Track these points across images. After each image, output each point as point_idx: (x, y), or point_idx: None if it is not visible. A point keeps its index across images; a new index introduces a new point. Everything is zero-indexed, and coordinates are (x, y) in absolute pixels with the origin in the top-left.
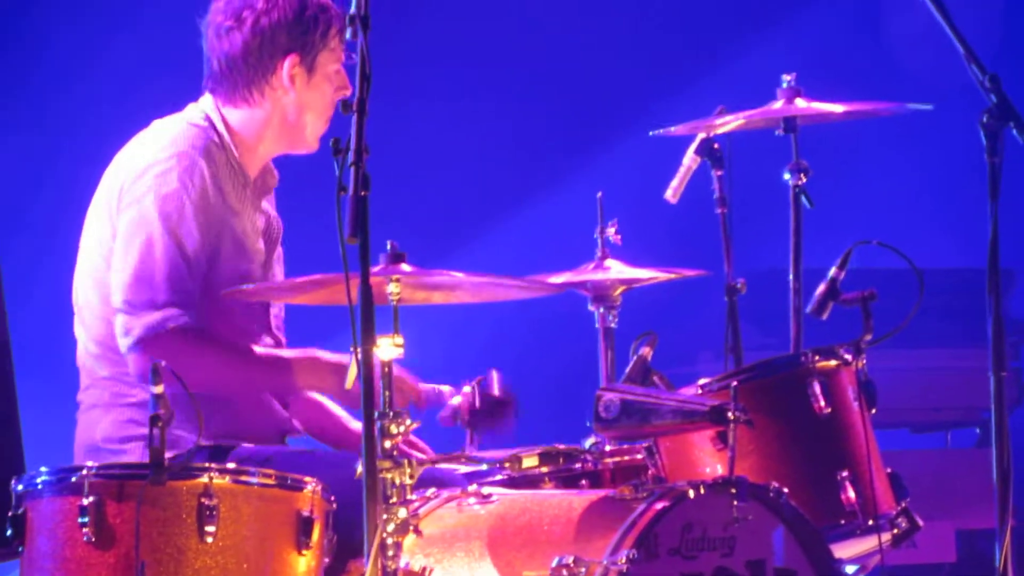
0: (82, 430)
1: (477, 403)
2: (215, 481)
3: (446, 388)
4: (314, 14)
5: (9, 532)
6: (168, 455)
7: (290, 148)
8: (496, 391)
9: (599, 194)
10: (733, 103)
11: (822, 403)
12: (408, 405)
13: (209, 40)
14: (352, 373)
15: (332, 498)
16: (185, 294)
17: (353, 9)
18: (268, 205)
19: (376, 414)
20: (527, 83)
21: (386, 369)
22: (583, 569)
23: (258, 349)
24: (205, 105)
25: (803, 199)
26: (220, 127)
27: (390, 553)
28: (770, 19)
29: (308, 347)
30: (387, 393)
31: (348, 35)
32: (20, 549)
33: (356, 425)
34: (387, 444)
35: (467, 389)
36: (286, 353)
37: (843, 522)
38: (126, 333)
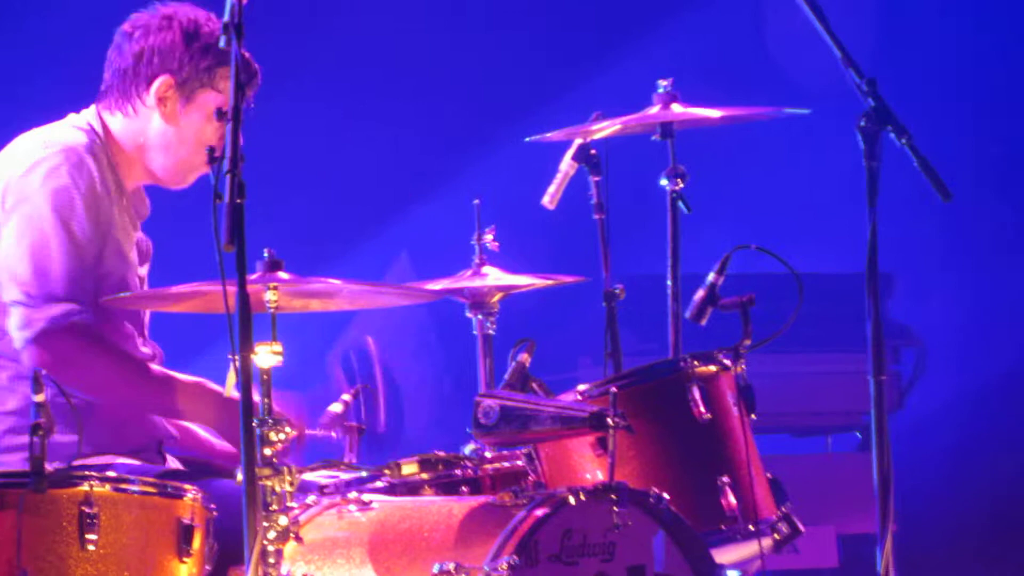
0: None
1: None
2: (96, 489)
3: (332, 434)
4: (204, 46)
5: None
6: (49, 467)
7: (160, 177)
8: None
9: (476, 201)
10: (610, 108)
11: (702, 408)
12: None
13: (111, 51)
14: (231, 381)
15: (212, 506)
16: (83, 290)
17: (227, 17)
18: (139, 227)
19: (255, 421)
20: (403, 89)
21: (265, 376)
22: (463, 573)
23: (152, 366)
24: (87, 114)
25: (680, 204)
26: (100, 132)
27: (271, 560)
28: (646, 24)
29: (197, 375)
30: (266, 400)
31: (221, 43)
32: None
33: (223, 444)
34: (267, 451)
35: (343, 402)
36: (178, 376)
37: (724, 527)
38: (26, 326)
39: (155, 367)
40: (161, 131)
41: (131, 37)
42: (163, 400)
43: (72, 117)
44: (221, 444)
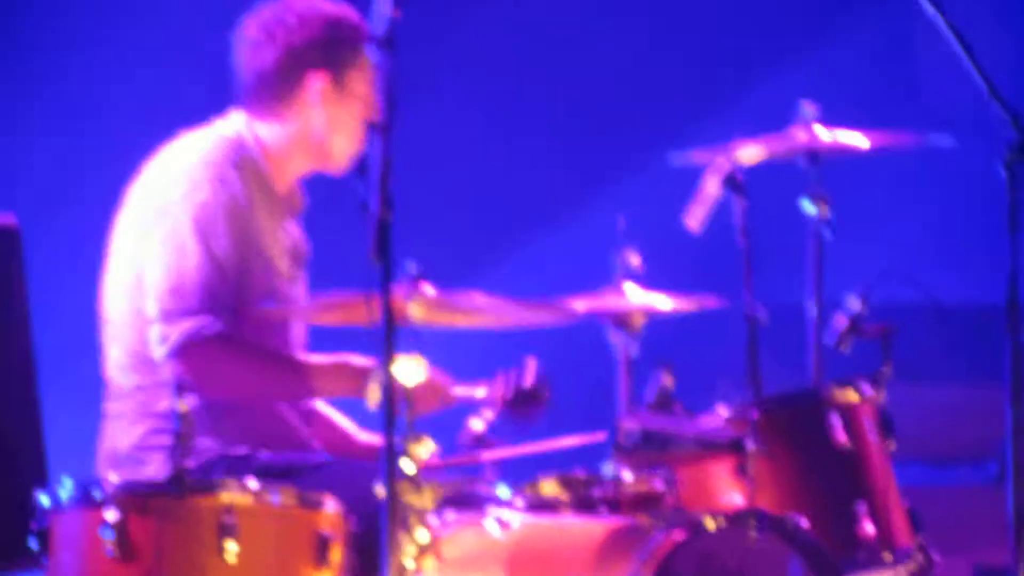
0: (107, 439)
1: (509, 395)
2: (236, 499)
3: (480, 392)
4: (346, 33)
5: (35, 546)
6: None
7: (319, 166)
8: (529, 382)
9: (620, 220)
10: (755, 131)
11: (841, 436)
12: (440, 407)
13: (240, 55)
14: (374, 394)
15: (352, 519)
16: (219, 301)
17: (378, 31)
18: (295, 227)
19: (403, 430)
20: (550, 106)
21: (408, 390)
22: None
23: (289, 355)
24: (235, 119)
25: (824, 230)
26: (250, 141)
27: (416, 570)
28: (792, 48)
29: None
30: (409, 413)
31: (372, 58)
32: (44, 562)
33: (364, 437)
34: (409, 467)
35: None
36: (315, 358)
37: (860, 554)
38: (163, 341)
39: (294, 356)
40: (326, 125)
41: (271, 38)
42: (303, 382)
43: (220, 124)
44: (363, 439)
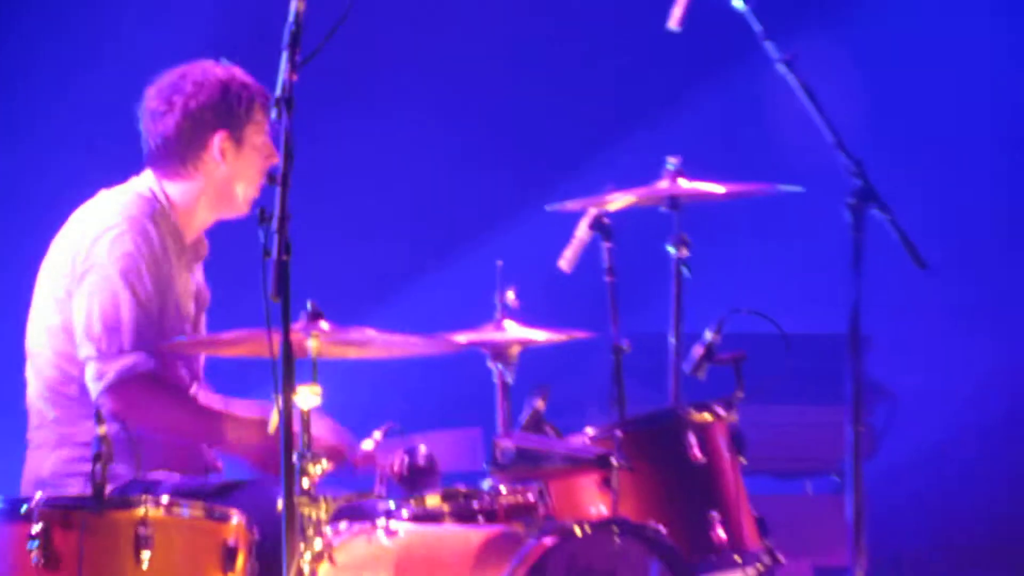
0: (31, 465)
1: (405, 472)
2: (150, 513)
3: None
4: (237, 92)
5: None
6: (107, 488)
7: (224, 214)
8: (421, 463)
9: (499, 262)
10: (623, 182)
11: (697, 452)
12: (344, 466)
13: (145, 123)
14: (274, 420)
15: (255, 530)
16: (146, 341)
17: (278, 92)
18: (199, 274)
19: (295, 455)
20: (439, 161)
21: (305, 416)
22: None
23: (203, 401)
24: (147, 179)
25: (683, 269)
26: (162, 198)
27: (309, 575)
28: (658, 103)
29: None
30: (305, 436)
31: (273, 115)
32: None
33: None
34: (305, 483)
35: (374, 440)
36: (234, 406)
37: (713, 557)
38: (99, 378)
39: (204, 401)
40: (228, 177)
41: (170, 105)
42: (219, 431)
43: (135, 182)
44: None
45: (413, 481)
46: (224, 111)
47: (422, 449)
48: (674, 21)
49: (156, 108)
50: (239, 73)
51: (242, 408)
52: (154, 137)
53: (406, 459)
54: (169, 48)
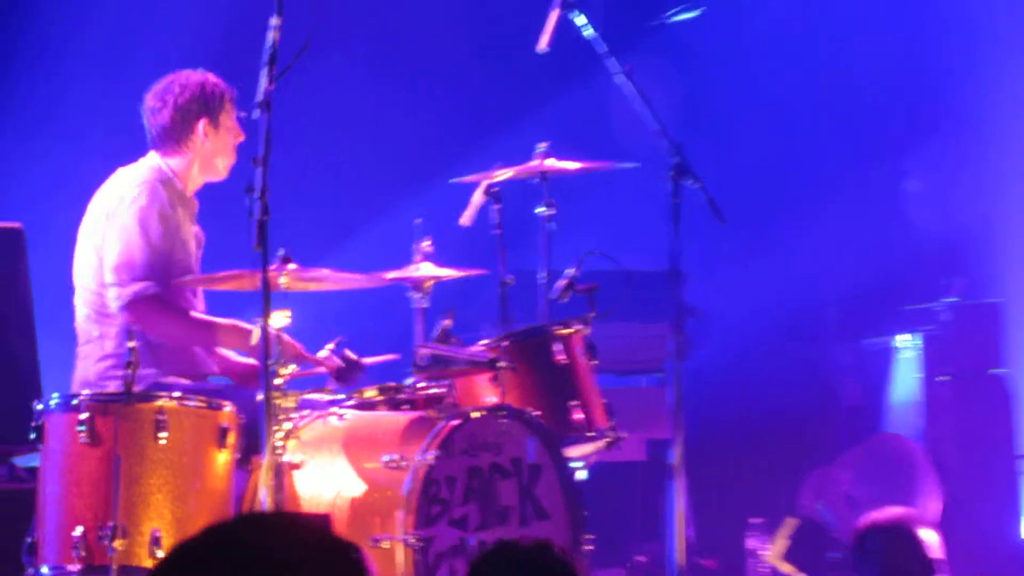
0: (79, 371)
1: (342, 365)
2: (166, 404)
3: (323, 353)
4: (212, 89)
5: (33, 436)
6: (135, 387)
7: (210, 178)
8: (354, 357)
9: (418, 220)
10: (507, 160)
11: (561, 356)
12: (294, 361)
13: (146, 117)
14: (256, 334)
15: (241, 414)
16: (155, 273)
17: (259, 97)
18: (195, 223)
19: (270, 362)
20: (373, 145)
21: (279, 334)
22: (404, 462)
23: (199, 315)
24: (154, 158)
25: (550, 224)
26: (167, 170)
27: (279, 451)
28: (533, 101)
29: (230, 318)
30: (278, 349)
31: (255, 115)
32: (40, 447)
33: (245, 363)
34: (278, 381)
35: (328, 349)
36: (218, 320)
37: (573, 433)
38: (118, 298)
39: (200, 316)
40: (211, 151)
41: (164, 103)
42: (210, 338)
43: (144, 160)
44: (243, 364)
45: (344, 374)
46: (204, 103)
47: (347, 352)
48: (542, 44)
49: (154, 106)
50: (212, 76)
51: (237, 323)
52: (155, 127)
53: (336, 359)
54: (168, 58)
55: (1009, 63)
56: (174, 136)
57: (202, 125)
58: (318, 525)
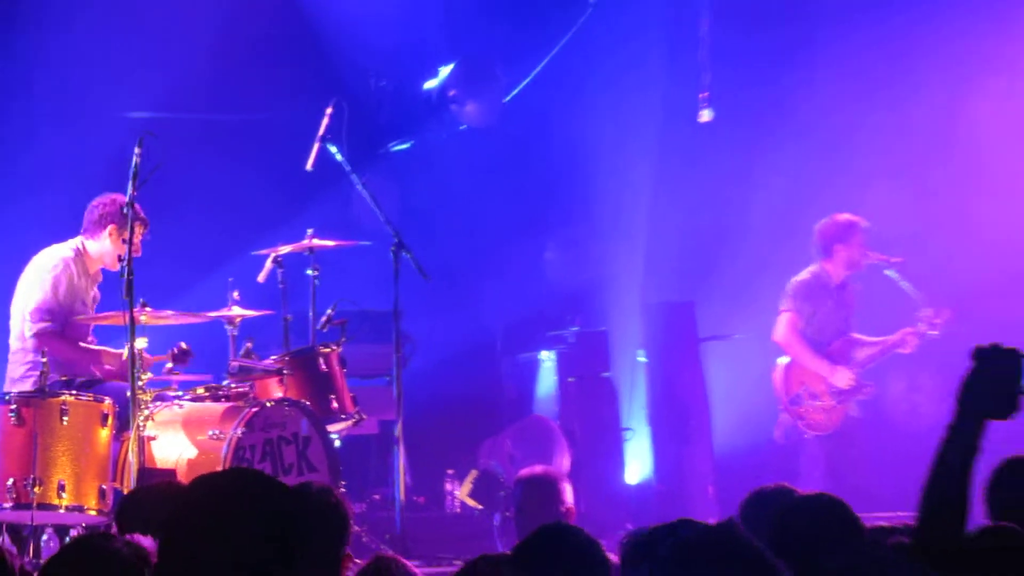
0: (9, 371)
1: (178, 355)
2: (67, 398)
3: (164, 358)
4: (124, 210)
5: None
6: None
7: (107, 263)
8: (184, 348)
9: (231, 279)
10: (288, 239)
11: (323, 366)
12: (149, 368)
13: (85, 213)
14: (125, 352)
15: (116, 405)
16: (56, 317)
17: (127, 200)
18: (95, 287)
19: (135, 368)
20: (204, 225)
21: (140, 352)
22: (223, 435)
23: (85, 345)
24: (78, 239)
25: (315, 281)
26: (81, 249)
27: (141, 429)
28: (301, 202)
29: (104, 346)
30: (138, 361)
31: (126, 211)
32: None
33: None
34: (139, 383)
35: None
36: (97, 348)
37: (332, 416)
38: (31, 330)
39: (85, 345)
40: (111, 248)
41: (95, 207)
42: (93, 359)
43: (71, 241)
44: (111, 371)
45: (179, 357)
46: (116, 217)
47: (183, 344)
48: (309, 164)
49: (92, 208)
50: (122, 198)
51: (108, 349)
52: (87, 220)
53: (175, 349)
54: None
55: (608, 178)
56: (94, 229)
57: (111, 228)
58: (168, 478)
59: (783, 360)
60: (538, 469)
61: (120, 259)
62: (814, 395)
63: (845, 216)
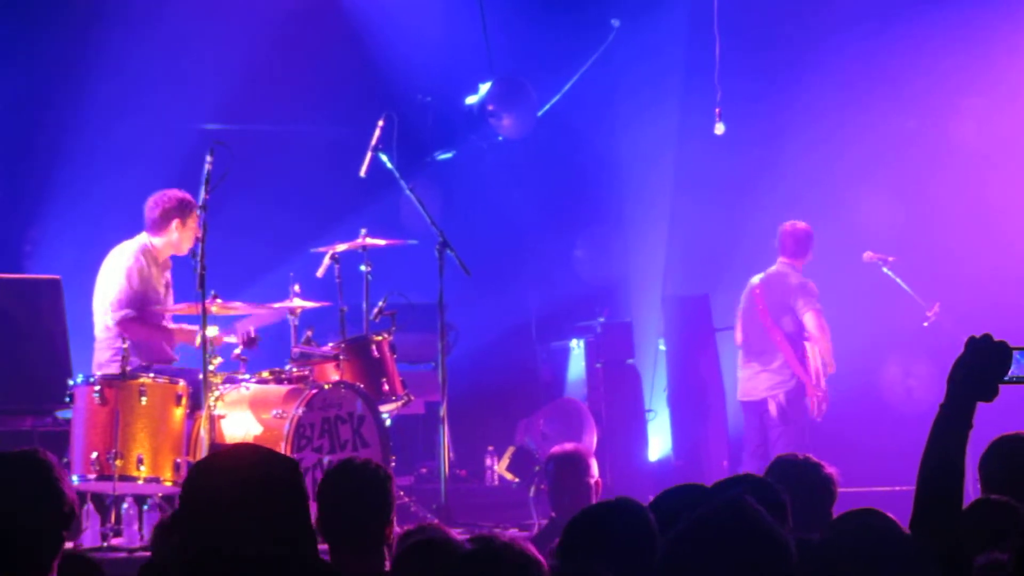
0: (96, 356)
1: (246, 339)
2: (145, 380)
3: (232, 338)
4: (187, 204)
5: (67, 399)
6: (127, 369)
7: (178, 251)
8: (253, 333)
9: (292, 273)
10: (344, 238)
11: (375, 352)
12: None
13: (145, 212)
14: (199, 340)
15: (190, 387)
16: (133, 305)
17: (200, 202)
18: (167, 275)
19: (207, 354)
20: (268, 224)
21: (211, 338)
22: (285, 414)
23: (163, 325)
24: (143, 235)
25: (368, 277)
26: (148, 244)
27: (212, 407)
28: (360, 203)
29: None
30: (210, 347)
31: (199, 212)
32: (72, 405)
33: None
34: (211, 367)
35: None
36: (172, 326)
37: (383, 398)
38: (113, 319)
39: (164, 325)
40: (178, 238)
41: (155, 206)
42: (169, 337)
43: (137, 237)
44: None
45: (249, 343)
46: (179, 210)
47: (251, 331)
48: (362, 171)
49: (151, 206)
50: (186, 194)
51: (187, 326)
52: (148, 216)
53: (245, 335)
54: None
55: (631, 183)
56: (159, 225)
57: (176, 223)
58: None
59: (814, 351)
60: (568, 446)
61: (193, 254)
62: (821, 381)
63: (806, 225)
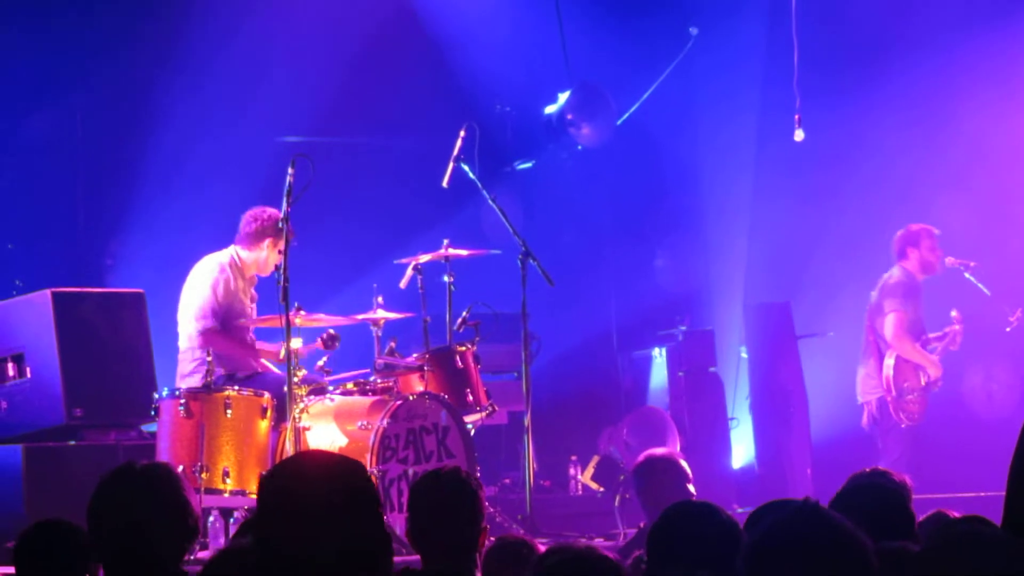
0: (180, 368)
1: (327, 340)
2: (230, 393)
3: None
4: (280, 224)
5: (152, 413)
6: (211, 381)
7: (263, 270)
8: (332, 334)
9: (375, 284)
10: (427, 248)
11: (459, 363)
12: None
13: (241, 225)
14: (283, 352)
15: (274, 399)
16: (218, 317)
17: (283, 214)
18: (252, 290)
19: (291, 366)
20: (351, 237)
21: (294, 350)
22: (370, 426)
23: (246, 342)
24: (232, 248)
25: (451, 287)
26: (236, 258)
27: (297, 419)
28: (443, 214)
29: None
30: (295, 359)
31: (281, 225)
32: (157, 419)
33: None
34: (296, 379)
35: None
36: (256, 346)
37: (468, 408)
38: (197, 329)
39: (248, 343)
40: (266, 257)
41: (253, 220)
42: (252, 355)
43: (226, 249)
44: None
45: (329, 342)
46: (273, 230)
47: (331, 330)
48: (445, 182)
49: (246, 220)
50: (278, 212)
51: (268, 346)
52: (242, 232)
53: (325, 335)
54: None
55: (711, 192)
56: (251, 241)
57: (268, 242)
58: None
59: (891, 358)
60: (660, 451)
61: (276, 267)
62: (912, 389)
63: (917, 225)
